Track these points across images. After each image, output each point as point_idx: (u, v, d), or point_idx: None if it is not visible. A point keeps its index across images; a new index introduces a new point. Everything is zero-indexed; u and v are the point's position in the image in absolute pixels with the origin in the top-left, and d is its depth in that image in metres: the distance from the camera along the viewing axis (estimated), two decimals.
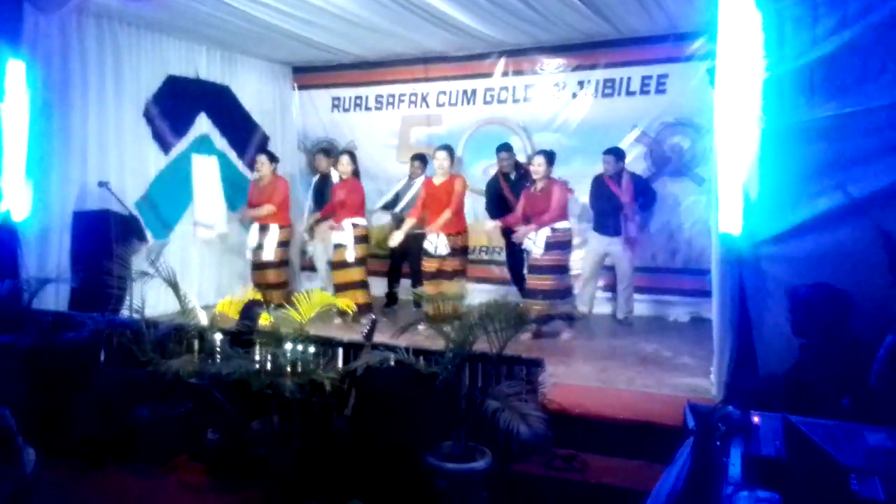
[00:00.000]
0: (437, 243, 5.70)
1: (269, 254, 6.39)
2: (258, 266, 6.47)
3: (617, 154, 6.12)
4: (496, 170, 6.69)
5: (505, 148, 6.57)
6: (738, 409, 2.58)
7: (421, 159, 6.75)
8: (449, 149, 5.98)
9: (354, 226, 6.19)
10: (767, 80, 3.40)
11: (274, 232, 6.40)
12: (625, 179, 6.09)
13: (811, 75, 3.36)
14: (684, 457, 2.55)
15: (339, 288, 6.11)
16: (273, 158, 6.63)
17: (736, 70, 3.48)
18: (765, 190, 3.40)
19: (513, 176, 6.50)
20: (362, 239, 6.26)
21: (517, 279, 6.50)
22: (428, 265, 5.80)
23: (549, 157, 5.63)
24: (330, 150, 7.48)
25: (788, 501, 1.98)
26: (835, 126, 3.29)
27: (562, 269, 5.57)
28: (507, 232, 6.22)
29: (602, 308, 6.55)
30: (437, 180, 5.88)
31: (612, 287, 6.49)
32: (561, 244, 5.52)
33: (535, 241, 5.49)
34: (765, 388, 3.05)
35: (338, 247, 6.23)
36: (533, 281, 5.56)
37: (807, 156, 3.36)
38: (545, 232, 5.46)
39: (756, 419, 2.35)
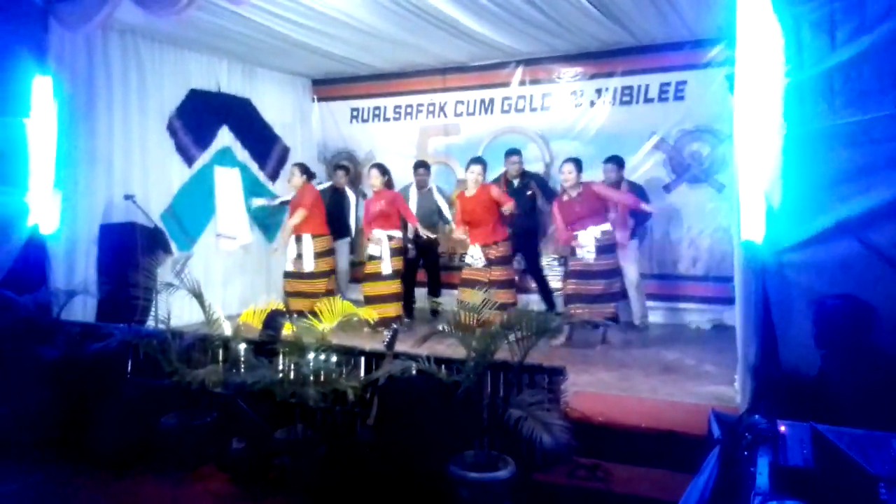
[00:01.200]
0: (475, 254, 5.77)
1: (310, 265, 6.29)
2: (297, 276, 6.35)
3: (618, 162, 6.12)
4: (499, 175, 6.71)
5: (514, 153, 6.59)
6: (764, 418, 2.56)
7: (424, 166, 6.78)
8: (482, 162, 6.02)
9: (390, 238, 6.18)
10: (788, 86, 3.38)
11: (308, 242, 6.33)
12: (623, 188, 6.09)
13: (831, 81, 3.34)
14: (711, 466, 2.55)
15: (371, 300, 6.07)
16: (305, 171, 6.55)
17: (755, 76, 3.47)
18: (787, 197, 3.38)
19: (516, 183, 6.50)
20: (398, 252, 6.23)
21: (542, 287, 6.52)
22: (468, 274, 5.84)
23: (578, 164, 5.65)
24: (349, 167, 7.53)
25: None
26: (857, 132, 3.26)
27: (614, 273, 5.58)
28: (516, 240, 6.22)
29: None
30: (469, 192, 5.91)
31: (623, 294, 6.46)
32: (609, 247, 5.54)
33: (585, 246, 5.47)
34: (790, 397, 3.02)
35: (371, 259, 6.22)
36: (577, 286, 5.50)
37: (829, 162, 3.33)
38: (593, 234, 5.46)
39: (783, 428, 2.33)
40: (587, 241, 5.46)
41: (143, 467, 4.15)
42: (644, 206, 5.82)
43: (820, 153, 3.35)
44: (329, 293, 6.28)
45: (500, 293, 5.51)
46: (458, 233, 5.98)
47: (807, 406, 2.96)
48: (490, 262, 5.75)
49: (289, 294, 6.37)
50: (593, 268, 5.46)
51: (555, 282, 6.74)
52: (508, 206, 5.67)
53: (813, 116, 3.36)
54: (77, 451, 4.29)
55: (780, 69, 3.39)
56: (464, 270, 5.92)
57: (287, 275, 6.47)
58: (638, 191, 6.18)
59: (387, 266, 6.12)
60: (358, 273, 7.15)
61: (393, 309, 6.04)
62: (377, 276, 6.15)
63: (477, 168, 5.89)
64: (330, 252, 6.56)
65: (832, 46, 3.33)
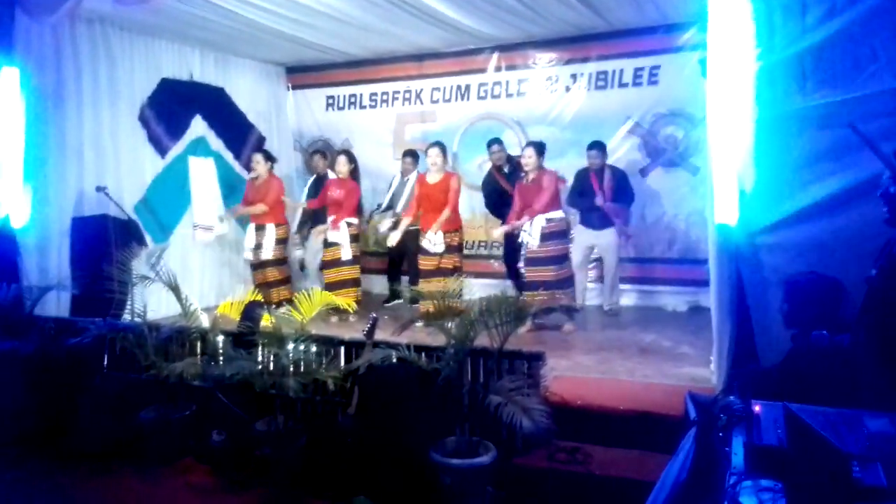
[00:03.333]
0: (434, 241, 5.72)
1: (269, 252, 6.43)
2: (258, 265, 6.49)
3: (601, 148, 6.15)
4: (490, 165, 6.71)
5: (495, 142, 6.60)
6: (738, 398, 2.60)
7: (412, 155, 6.77)
8: (441, 145, 5.96)
9: (349, 224, 6.22)
10: (760, 70, 3.42)
11: (271, 231, 6.44)
12: (606, 174, 6.13)
13: (802, 64, 3.38)
14: (687, 447, 2.59)
15: (332, 286, 6.08)
16: (269, 158, 6.66)
17: (727, 60, 3.50)
18: (760, 179, 3.43)
19: (506, 169, 6.52)
20: (356, 238, 6.32)
21: (514, 273, 6.54)
22: (425, 263, 5.81)
23: (539, 147, 5.64)
24: (326, 152, 7.48)
25: (791, 490, 2.00)
26: (828, 114, 3.31)
27: (561, 259, 5.59)
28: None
29: (594, 300, 6.61)
30: (432, 178, 5.87)
31: (600, 278, 6.56)
32: (557, 234, 5.55)
33: (530, 233, 5.51)
34: (764, 378, 3.08)
35: (331, 245, 6.25)
36: (532, 273, 5.57)
37: (801, 144, 3.38)
38: (539, 222, 5.48)
39: (757, 408, 2.37)
40: (533, 228, 5.48)
41: (123, 461, 4.12)
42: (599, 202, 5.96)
43: (792, 136, 3.39)
44: (285, 282, 6.50)
45: (450, 280, 5.53)
46: (396, 235, 5.98)
47: (780, 385, 3.02)
48: (450, 249, 5.73)
49: (260, 285, 6.35)
50: (540, 254, 5.49)
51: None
52: (444, 213, 5.67)
53: (784, 99, 3.40)
54: (55, 447, 4.25)
55: (751, 52, 3.43)
56: (421, 261, 5.87)
57: (254, 266, 6.58)
58: (620, 176, 6.22)
59: (346, 252, 6.17)
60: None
61: (352, 294, 6.02)
62: (337, 262, 6.20)
63: (434, 151, 5.83)
64: (286, 241, 6.67)
65: (803, 29, 3.37)
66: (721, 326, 3.62)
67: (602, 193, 6.04)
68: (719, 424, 2.46)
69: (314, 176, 7.18)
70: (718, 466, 2.37)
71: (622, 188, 6.17)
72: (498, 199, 6.53)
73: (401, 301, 6.87)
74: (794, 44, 3.38)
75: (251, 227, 6.51)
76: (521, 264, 5.77)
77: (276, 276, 6.50)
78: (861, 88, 3.26)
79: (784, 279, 3.27)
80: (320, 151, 7.43)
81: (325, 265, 6.37)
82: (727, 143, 3.49)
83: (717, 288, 3.67)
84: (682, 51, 6.25)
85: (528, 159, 5.58)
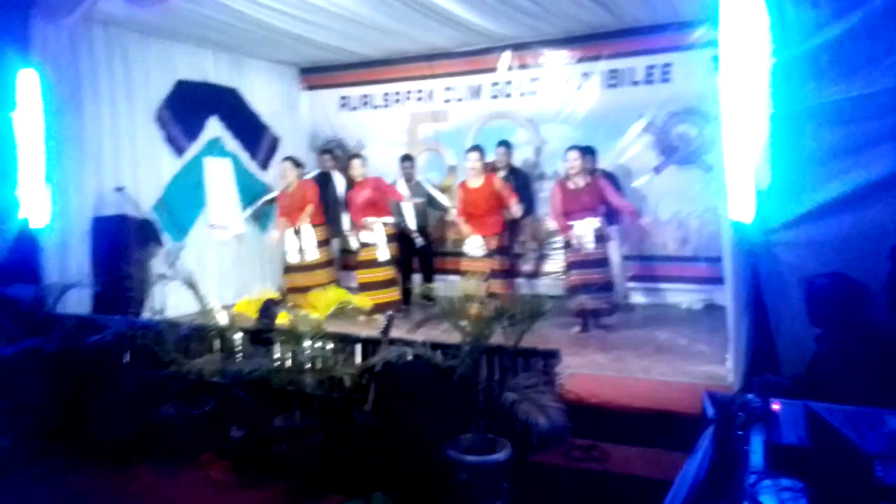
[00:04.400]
0: (476, 244, 5.73)
1: (314, 253, 6.31)
2: (301, 268, 6.34)
3: (590, 152, 6.07)
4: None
5: (504, 144, 6.58)
6: (757, 396, 2.60)
7: (409, 159, 6.78)
8: (479, 149, 5.95)
9: (385, 224, 6.19)
10: (774, 66, 3.40)
11: (310, 231, 6.34)
12: (598, 176, 6.09)
13: (818, 59, 3.35)
14: (705, 446, 2.58)
15: (366, 287, 6.08)
16: (297, 164, 6.56)
17: (740, 56, 3.48)
18: (775, 176, 3.41)
19: (502, 173, 6.42)
20: (392, 238, 6.24)
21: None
22: (466, 265, 5.79)
23: (585, 151, 5.65)
24: (334, 151, 7.51)
25: (812, 489, 2.00)
26: (844, 109, 3.28)
27: (608, 262, 5.64)
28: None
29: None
30: (473, 183, 5.83)
31: None
32: (604, 237, 5.61)
33: (584, 236, 5.49)
34: (785, 376, 3.06)
35: (365, 246, 6.22)
36: (579, 276, 5.52)
37: (817, 140, 3.35)
38: (592, 224, 5.49)
39: (776, 407, 2.36)
40: (586, 231, 5.49)
41: (143, 457, 4.18)
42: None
43: (808, 132, 3.37)
44: (331, 283, 6.34)
45: (499, 283, 5.56)
46: (461, 223, 5.90)
47: (800, 384, 3.01)
48: (490, 253, 5.73)
49: (290, 290, 6.33)
50: (591, 257, 5.50)
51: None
52: (514, 206, 5.66)
53: (800, 95, 3.38)
54: (77, 442, 4.31)
55: (765, 48, 3.41)
56: (463, 262, 5.87)
57: (288, 269, 6.46)
58: (611, 179, 6.20)
59: (383, 253, 6.13)
60: (350, 261, 7.16)
61: (390, 294, 6.03)
62: (373, 263, 6.16)
63: (474, 156, 5.83)
64: (328, 242, 6.57)
65: (818, 24, 3.34)
66: (737, 324, 3.62)
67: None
68: (738, 423, 2.46)
69: (318, 171, 7.20)
70: (737, 465, 2.37)
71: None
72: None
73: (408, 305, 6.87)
74: (809, 39, 3.35)
75: (289, 231, 6.37)
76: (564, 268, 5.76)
77: (324, 280, 6.29)
78: (878, 83, 3.24)
79: (802, 278, 3.24)
80: (329, 151, 7.47)
81: (359, 265, 6.31)
82: (741, 139, 3.48)
83: (733, 286, 3.66)
84: (694, 48, 6.18)
85: (575, 162, 5.53)
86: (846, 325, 2.92)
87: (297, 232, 6.35)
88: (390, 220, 6.26)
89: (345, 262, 7.54)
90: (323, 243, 6.43)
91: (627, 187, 6.45)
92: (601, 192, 5.55)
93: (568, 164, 5.61)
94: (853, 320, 2.97)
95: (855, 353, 2.80)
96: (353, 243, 6.31)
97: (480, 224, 5.74)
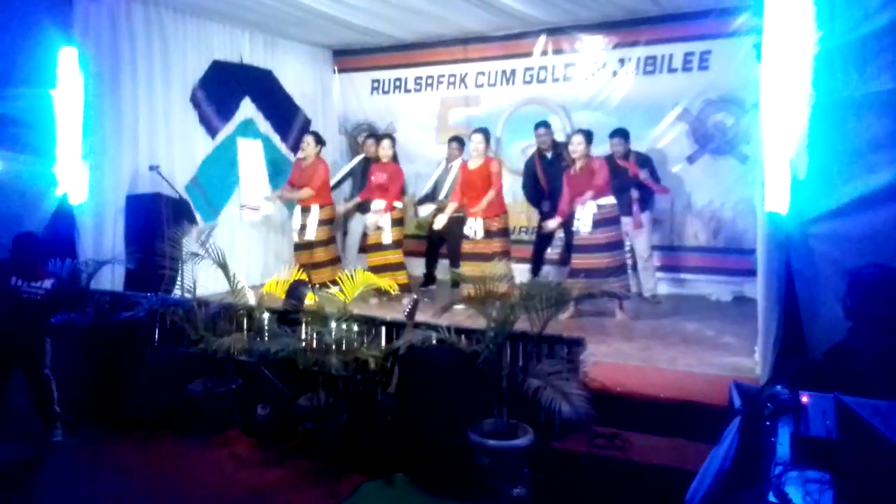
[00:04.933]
0: (475, 227, 5.73)
1: (312, 233, 6.40)
2: (302, 246, 6.47)
3: (624, 135, 6.06)
4: (533, 150, 6.67)
5: (543, 125, 6.51)
6: (786, 388, 2.56)
7: (458, 141, 6.74)
8: (484, 131, 5.94)
9: (392, 208, 6.24)
10: (818, 55, 3.31)
11: (315, 212, 6.42)
12: (631, 159, 6.05)
13: (864, 49, 3.26)
14: (731, 436, 2.56)
15: (375, 270, 6.08)
16: (319, 140, 6.60)
17: (784, 44, 3.40)
18: (813, 167, 3.33)
19: (549, 155, 6.46)
20: (398, 222, 6.31)
21: (536, 259, 6.55)
22: (467, 247, 5.83)
23: (588, 136, 5.57)
24: (377, 136, 7.51)
25: (839, 481, 1.97)
26: (887, 101, 3.20)
27: (614, 246, 5.52)
28: (543, 215, 6.29)
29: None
30: (473, 164, 5.86)
31: (633, 266, 6.38)
32: (609, 220, 5.49)
33: (581, 220, 5.46)
34: (814, 368, 3.01)
35: (374, 229, 6.29)
36: (580, 260, 5.50)
37: (857, 131, 3.27)
38: (591, 209, 5.42)
39: (805, 399, 2.33)
40: (584, 215, 5.43)
41: (171, 431, 4.28)
42: (650, 184, 5.92)
43: (849, 122, 3.29)
44: (331, 262, 6.42)
45: (494, 265, 5.51)
46: (442, 219, 5.95)
47: (830, 377, 2.95)
48: (489, 235, 5.72)
49: (304, 266, 6.38)
50: (594, 241, 5.43)
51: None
52: (490, 195, 5.65)
53: (843, 85, 3.29)
54: (108, 416, 4.43)
55: (810, 37, 3.32)
56: (464, 244, 5.87)
57: (296, 247, 6.55)
58: (645, 161, 6.12)
59: (387, 236, 6.19)
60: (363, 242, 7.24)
61: (397, 277, 6.02)
62: (378, 246, 6.23)
63: (477, 137, 5.81)
64: (332, 221, 6.62)
65: (865, 13, 3.25)
66: (768, 316, 3.56)
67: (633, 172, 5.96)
68: (765, 414, 2.42)
69: (362, 156, 7.22)
70: (763, 456, 2.34)
71: (650, 174, 6.08)
72: (532, 186, 6.53)
73: (434, 287, 6.90)
74: (855, 28, 3.26)
75: (297, 208, 6.52)
76: (571, 251, 5.72)
77: (322, 258, 6.46)
78: None
79: (842, 269, 3.15)
80: (374, 135, 7.47)
81: (368, 248, 6.42)
82: (781, 129, 3.41)
83: (765, 277, 3.59)
84: (735, 36, 6.08)
85: (578, 146, 5.50)
86: (885, 318, 2.84)
87: (305, 210, 6.42)
88: (398, 204, 6.29)
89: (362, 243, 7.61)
90: (326, 223, 6.47)
91: (664, 176, 6.33)
92: (592, 175, 5.45)
93: (571, 148, 5.57)
94: (892, 312, 2.89)
95: (890, 346, 2.72)
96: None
97: (476, 206, 5.71)
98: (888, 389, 2.40)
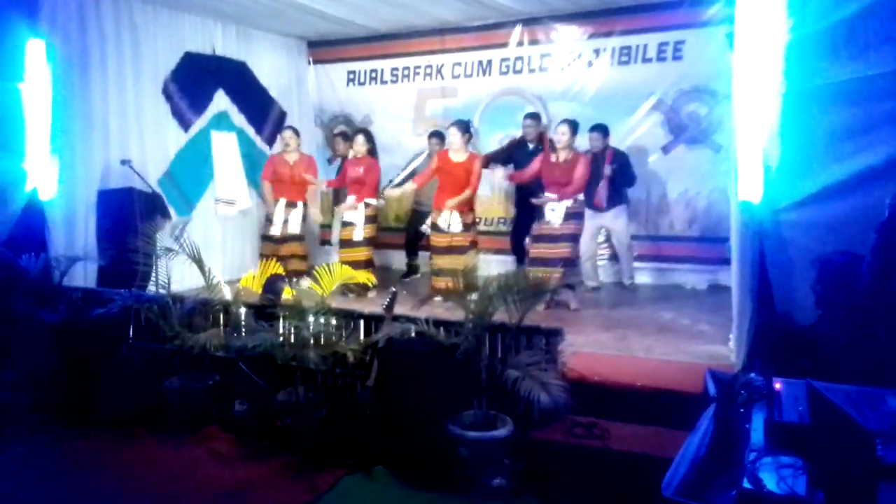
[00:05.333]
0: (450, 220, 5.72)
1: (296, 227, 6.38)
2: (281, 240, 6.38)
3: (604, 131, 6.13)
4: (509, 140, 6.70)
5: (531, 116, 6.52)
6: (759, 375, 2.59)
7: (438, 136, 6.72)
8: (461, 124, 5.88)
9: (366, 205, 6.20)
10: (790, 43, 3.34)
11: (300, 208, 6.41)
12: (608, 155, 6.10)
13: (835, 37, 3.30)
14: (706, 423, 2.59)
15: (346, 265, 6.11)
16: (297, 133, 6.58)
17: (756, 33, 3.43)
18: (786, 156, 3.37)
19: (531, 147, 6.47)
20: (372, 219, 6.27)
21: (518, 250, 6.55)
22: (438, 240, 5.81)
23: (574, 126, 5.59)
24: (348, 132, 7.46)
25: (812, 466, 2.00)
26: (858, 89, 3.24)
27: (576, 238, 5.60)
28: (522, 204, 6.26)
29: (610, 277, 6.65)
30: (455, 157, 5.81)
31: (614, 257, 6.62)
32: (577, 214, 5.57)
33: (555, 211, 5.50)
34: (786, 355, 3.06)
35: (347, 224, 6.25)
36: (543, 249, 5.54)
37: (829, 120, 3.32)
38: (566, 202, 5.47)
39: (778, 385, 2.36)
40: (559, 207, 5.49)
41: (147, 429, 4.22)
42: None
43: (821, 111, 3.33)
44: (305, 257, 6.50)
45: (466, 257, 5.51)
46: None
47: (802, 364, 3.00)
48: (464, 227, 5.73)
49: (279, 258, 6.32)
50: (558, 232, 5.49)
51: None
52: (466, 194, 5.69)
53: (815, 73, 3.33)
54: (81, 414, 4.36)
55: (782, 25, 3.35)
56: (434, 237, 5.86)
57: (266, 238, 6.49)
58: (622, 159, 6.18)
59: (358, 232, 6.16)
60: (327, 235, 7.30)
61: (362, 276, 6.00)
62: (349, 243, 6.20)
63: (453, 130, 5.77)
64: (306, 217, 6.62)
65: (836, 2, 3.28)
66: (742, 304, 3.60)
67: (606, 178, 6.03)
68: (739, 401, 2.45)
69: (340, 160, 7.16)
70: (738, 443, 2.37)
71: (624, 171, 6.14)
72: (505, 161, 6.56)
73: (418, 276, 6.90)
74: (827, 16, 3.30)
75: (282, 202, 6.39)
76: (528, 240, 5.75)
77: (299, 251, 6.47)
78: (893, 63, 3.18)
79: (814, 258, 3.20)
80: (342, 133, 7.40)
81: (341, 244, 6.38)
82: (753, 118, 3.44)
83: (739, 266, 3.64)
84: (708, 25, 6.13)
85: (563, 136, 5.52)
86: (855, 304, 2.90)
87: (290, 205, 6.37)
88: (373, 201, 6.26)
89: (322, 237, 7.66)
90: (305, 218, 6.51)
91: (639, 167, 6.38)
92: (573, 169, 5.48)
93: (556, 137, 5.59)
94: (861, 299, 2.94)
95: (858, 332, 2.78)
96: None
97: (451, 198, 5.71)
98: (859, 374, 2.45)
